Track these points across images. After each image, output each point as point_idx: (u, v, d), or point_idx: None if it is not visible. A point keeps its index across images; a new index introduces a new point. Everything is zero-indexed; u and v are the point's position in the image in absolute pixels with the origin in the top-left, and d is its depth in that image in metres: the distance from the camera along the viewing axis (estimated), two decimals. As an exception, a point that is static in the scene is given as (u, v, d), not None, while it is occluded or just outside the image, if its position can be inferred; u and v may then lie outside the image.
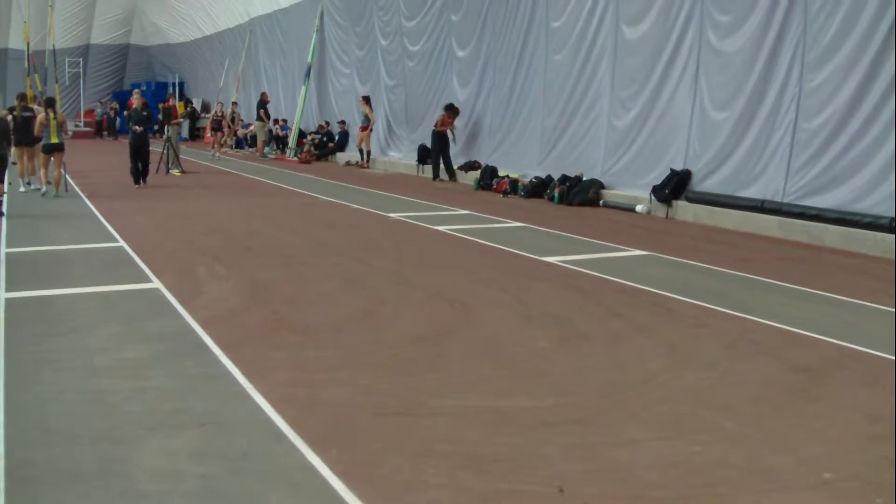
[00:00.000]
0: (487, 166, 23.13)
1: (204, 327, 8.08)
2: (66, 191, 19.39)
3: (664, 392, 6.60)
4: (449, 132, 24.96)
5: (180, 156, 25.63)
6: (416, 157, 27.10)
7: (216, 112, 35.91)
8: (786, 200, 15.20)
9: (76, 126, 48.44)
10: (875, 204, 13.70)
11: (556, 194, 19.64)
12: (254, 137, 36.62)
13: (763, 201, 15.56)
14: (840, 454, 5.45)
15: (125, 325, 8.16)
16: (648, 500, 4.76)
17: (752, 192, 15.90)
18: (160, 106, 28.10)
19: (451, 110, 24.86)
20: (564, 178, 20.03)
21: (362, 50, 31.38)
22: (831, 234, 14.13)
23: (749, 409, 6.23)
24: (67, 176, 20.76)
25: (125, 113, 30.42)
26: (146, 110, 21.52)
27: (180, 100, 46.67)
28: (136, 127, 20.38)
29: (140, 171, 20.84)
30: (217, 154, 33.06)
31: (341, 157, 31.95)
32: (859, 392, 6.73)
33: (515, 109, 23.14)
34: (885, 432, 5.85)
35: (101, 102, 50.77)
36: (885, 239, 13.28)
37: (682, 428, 5.83)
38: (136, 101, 21.65)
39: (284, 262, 11.63)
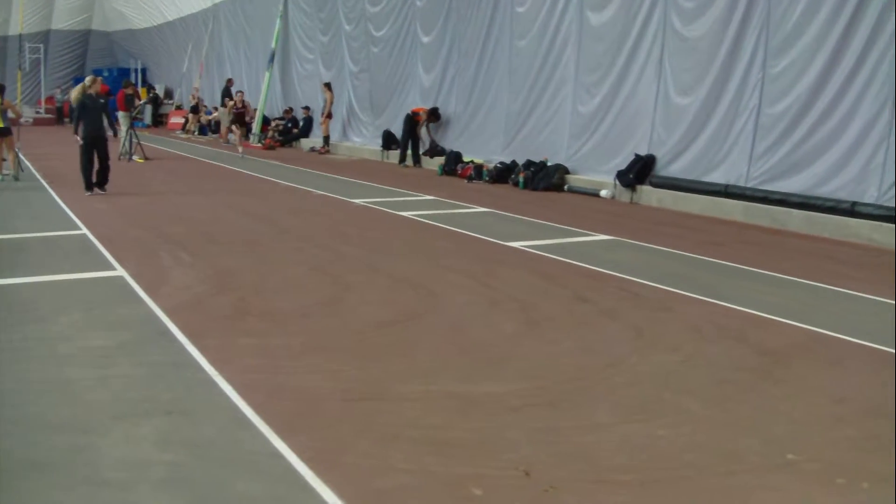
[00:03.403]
0: (452, 151, 23.14)
1: (169, 315, 8.03)
2: (22, 170, 19.32)
3: (630, 376, 6.64)
4: (423, 128, 24.95)
5: (142, 142, 25.38)
6: (380, 143, 27.08)
7: (237, 103, 30.97)
8: (749, 185, 15.33)
9: (37, 113, 47.92)
10: (837, 188, 13.88)
11: (521, 179, 19.68)
12: (217, 123, 36.44)
13: (727, 186, 15.68)
14: (804, 436, 5.50)
15: (89, 314, 8.09)
16: (614, 483, 4.78)
17: (716, 177, 16.02)
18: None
19: (433, 115, 24.77)
20: (529, 164, 20.08)
21: (326, 35, 31.25)
22: (794, 219, 14.26)
23: (714, 392, 6.27)
24: (27, 161, 20.61)
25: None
26: (104, 98, 17.81)
27: (143, 86, 46.31)
28: (76, 136, 16.70)
29: (98, 172, 16.92)
30: (242, 152, 27.49)
31: (305, 142, 31.84)
32: (823, 374, 6.80)
33: (480, 95, 23.14)
34: (848, 413, 5.92)
35: (60, 89, 50.24)
36: (846, 223, 13.44)
37: (648, 411, 5.86)
38: (91, 87, 16.95)
39: (249, 249, 11.57)
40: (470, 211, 15.72)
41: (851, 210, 13.49)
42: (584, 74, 19.33)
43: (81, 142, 16.44)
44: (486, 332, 7.84)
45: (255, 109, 34.73)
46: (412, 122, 24.92)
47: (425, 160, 24.76)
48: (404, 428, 5.45)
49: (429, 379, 6.43)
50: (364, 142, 29.13)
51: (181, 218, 14.14)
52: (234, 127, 30.75)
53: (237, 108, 30.23)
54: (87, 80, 16.96)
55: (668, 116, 17.19)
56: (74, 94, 16.72)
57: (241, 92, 31.61)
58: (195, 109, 39.51)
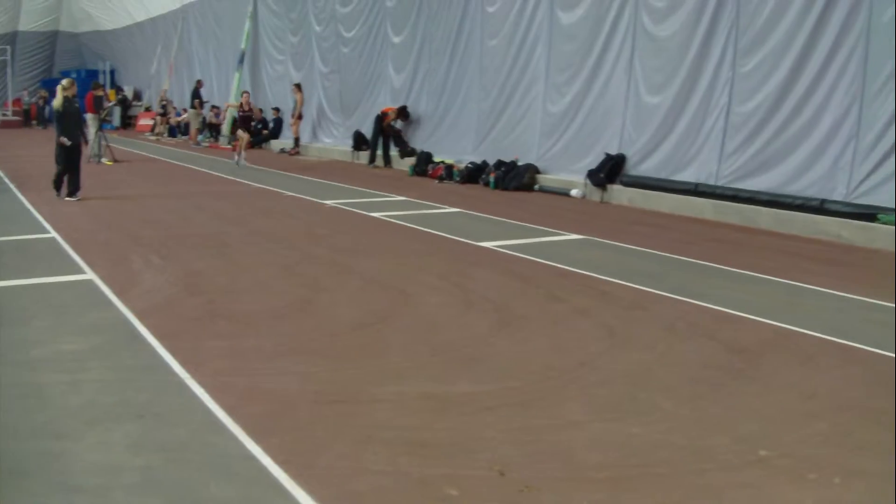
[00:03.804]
0: (423, 152, 23.13)
1: (140, 318, 7.99)
2: None
3: (603, 374, 6.66)
4: (391, 124, 24.95)
5: (111, 144, 25.22)
6: (351, 144, 27.04)
7: (243, 105, 25.85)
8: (719, 183, 15.41)
9: (3, 115, 47.54)
10: (806, 186, 13.98)
11: (492, 179, 19.69)
12: (187, 125, 36.27)
13: (697, 184, 15.76)
14: (776, 432, 5.54)
15: (60, 318, 8.03)
16: (589, 481, 4.80)
17: (687, 176, 16.10)
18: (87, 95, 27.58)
19: (402, 113, 24.79)
20: (500, 163, 20.09)
21: (296, 36, 31.15)
22: (764, 217, 14.35)
23: (687, 390, 6.31)
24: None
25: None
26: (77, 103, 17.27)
27: (111, 87, 46.03)
28: (63, 139, 15.95)
29: (69, 180, 16.42)
30: (242, 161, 24.63)
31: (276, 144, 31.74)
32: (794, 371, 6.84)
33: (451, 95, 23.15)
34: (819, 409, 5.97)
35: (28, 91, 49.86)
36: (815, 220, 13.53)
37: (621, 409, 5.89)
38: (69, 90, 16.45)
39: (220, 251, 11.52)
40: (441, 211, 15.72)
41: (820, 207, 13.60)
42: (554, 74, 19.37)
43: (69, 142, 15.95)
44: (459, 332, 7.84)
45: (189, 110, 34.75)
46: (382, 122, 24.92)
47: (396, 161, 24.74)
48: (378, 429, 5.45)
49: (402, 380, 6.43)
50: (334, 143, 29.06)
51: (151, 220, 14.06)
52: (238, 132, 25.44)
53: (242, 111, 25.51)
54: (66, 82, 16.54)
55: (639, 115, 17.26)
56: (58, 100, 16.20)
57: (246, 92, 27.23)
58: (163, 111, 39.39)
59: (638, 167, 17.23)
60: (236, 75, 34.44)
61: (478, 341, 7.55)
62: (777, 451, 5.23)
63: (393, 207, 15.93)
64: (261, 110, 33.01)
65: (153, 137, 37.82)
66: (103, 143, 24.63)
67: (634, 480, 4.82)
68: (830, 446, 5.36)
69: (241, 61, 34.33)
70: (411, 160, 23.32)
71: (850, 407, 6.05)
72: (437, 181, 21.14)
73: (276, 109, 32.38)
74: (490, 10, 21.25)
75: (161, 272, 10.12)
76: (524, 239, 12.71)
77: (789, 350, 7.41)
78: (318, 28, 29.55)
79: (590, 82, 18.36)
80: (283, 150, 30.47)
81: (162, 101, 40.32)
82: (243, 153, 24.87)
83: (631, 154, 17.39)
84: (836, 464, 5.08)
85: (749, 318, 8.36)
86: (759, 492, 4.73)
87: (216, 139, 34.21)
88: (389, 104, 25.48)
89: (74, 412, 5.68)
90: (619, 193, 17.38)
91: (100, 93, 27.79)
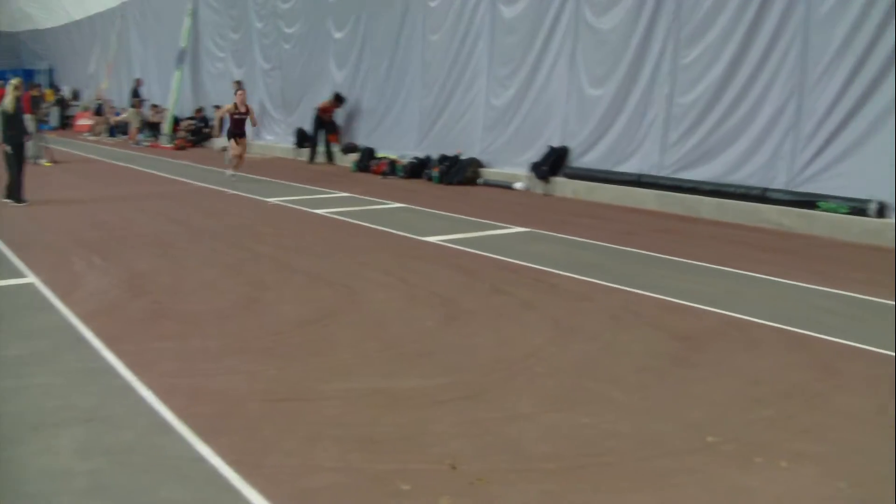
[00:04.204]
0: (366, 147, 23.10)
1: (84, 321, 7.88)
2: None
3: (550, 366, 6.69)
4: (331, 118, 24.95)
5: (49, 145, 24.87)
6: (293, 141, 26.92)
7: (238, 105, 20.22)
8: (662, 174, 15.55)
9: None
10: (747, 176, 14.17)
11: (436, 174, 19.71)
12: (126, 125, 35.84)
13: (640, 175, 15.89)
14: (722, 418, 5.62)
15: (2, 323, 7.89)
16: (539, 472, 4.82)
17: (629, 167, 16.24)
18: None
19: (337, 100, 24.76)
20: (443, 158, 20.11)
21: (237, 33, 30.95)
22: (706, 206, 14.51)
23: (634, 379, 6.36)
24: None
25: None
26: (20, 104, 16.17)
27: (49, 87, 45.39)
28: (6, 146, 15.33)
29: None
30: (231, 172, 20.40)
31: (217, 142, 31.44)
32: (739, 357, 6.93)
33: (393, 90, 23.13)
34: (764, 395, 6.05)
35: (-39, 93, 48.97)
36: (757, 209, 13.70)
37: (569, 400, 5.92)
38: (21, 89, 15.98)
39: (163, 251, 11.40)
40: (385, 207, 15.70)
41: (762, 196, 13.78)
42: (497, 67, 19.42)
43: (10, 149, 15.56)
44: (407, 327, 7.84)
45: (128, 109, 34.24)
46: (320, 118, 24.90)
47: (339, 157, 24.68)
48: (328, 426, 5.43)
49: (351, 376, 6.42)
50: (277, 140, 28.93)
51: (92, 222, 13.88)
52: (234, 141, 20.33)
53: (238, 113, 20.09)
54: (16, 81, 15.95)
55: (581, 108, 17.36)
56: (10, 101, 15.68)
57: (242, 91, 21.62)
58: (99, 111, 38.89)
59: (581, 159, 17.34)
60: (176, 74, 34.11)
61: (425, 336, 7.56)
62: (724, 437, 5.30)
63: (337, 204, 15.88)
64: (202, 108, 32.53)
65: (93, 138, 37.31)
66: (41, 144, 24.28)
67: (584, 470, 4.86)
68: (776, 430, 5.44)
69: (182, 59, 34.01)
70: (354, 156, 23.27)
71: (794, 392, 6.14)
72: (380, 177, 21.13)
73: (218, 107, 32.07)
74: (432, 4, 21.27)
75: (105, 274, 10.00)
76: (469, 233, 12.73)
77: (734, 337, 7.51)
78: (258, 24, 29.38)
79: (532, 75, 18.44)
80: (224, 149, 30.20)
81: (97, 99, 39.76)
82: (233, 166, 20.48)
83: (574, 146, 17.50)
84: (782, 448, 5.16)
85: (694, 307, 8.45)
86: (707, 477, 4.79)
87: (157, 138, 33.84)
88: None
89: (20, 418, 5.59)
90: (562, 186, 17.48)
91: (37, 93, 27.39)
